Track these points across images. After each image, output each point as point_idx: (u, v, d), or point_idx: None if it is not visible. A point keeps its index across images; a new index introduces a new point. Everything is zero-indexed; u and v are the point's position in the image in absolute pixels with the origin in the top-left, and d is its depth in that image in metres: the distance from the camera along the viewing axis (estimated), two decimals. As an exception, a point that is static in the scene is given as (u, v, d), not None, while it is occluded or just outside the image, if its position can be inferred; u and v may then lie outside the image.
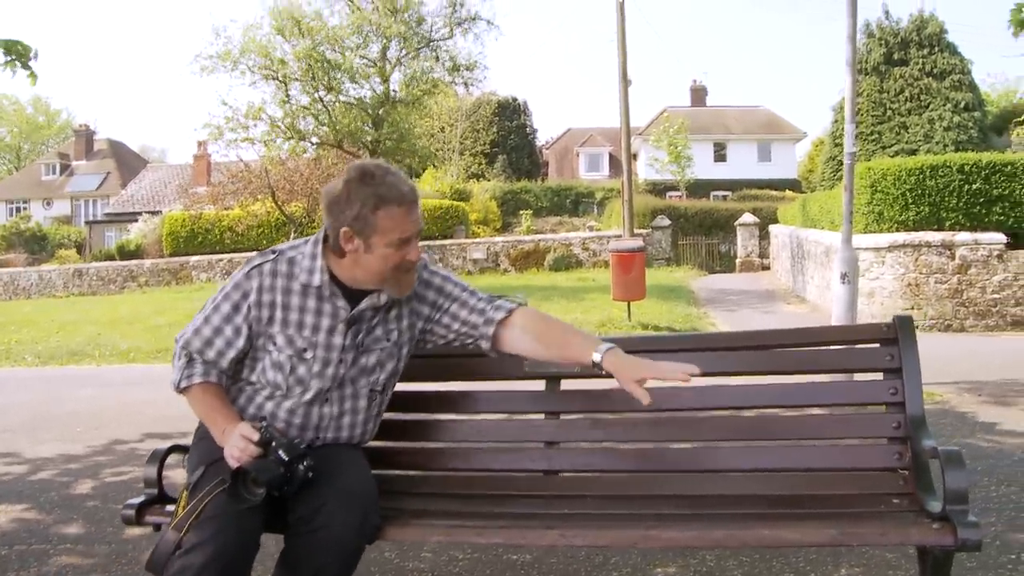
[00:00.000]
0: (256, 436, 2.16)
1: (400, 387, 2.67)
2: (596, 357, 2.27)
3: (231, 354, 2.37)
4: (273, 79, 18.38)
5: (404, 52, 19.29)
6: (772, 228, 23.38)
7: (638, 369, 2.21)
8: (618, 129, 23.38)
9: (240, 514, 2.09)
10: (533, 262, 25.61)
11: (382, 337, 2.42)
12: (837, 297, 7.59)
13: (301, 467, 2.15)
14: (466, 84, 20.87)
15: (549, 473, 2.60)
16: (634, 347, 2.40)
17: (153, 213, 37.69)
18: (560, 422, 2.66)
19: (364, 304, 2.36)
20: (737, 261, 26.07)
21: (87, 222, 48.11)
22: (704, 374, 2.22)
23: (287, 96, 18.73)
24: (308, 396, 2.37)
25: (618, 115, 22.53)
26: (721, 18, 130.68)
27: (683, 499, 2.46)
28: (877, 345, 2.52)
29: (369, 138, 19.51)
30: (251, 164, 24.66)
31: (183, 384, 2.38)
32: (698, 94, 49.75)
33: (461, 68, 19.94)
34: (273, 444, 2.15)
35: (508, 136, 46.75)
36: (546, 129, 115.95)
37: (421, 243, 2.39)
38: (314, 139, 19.54)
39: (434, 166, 40.88)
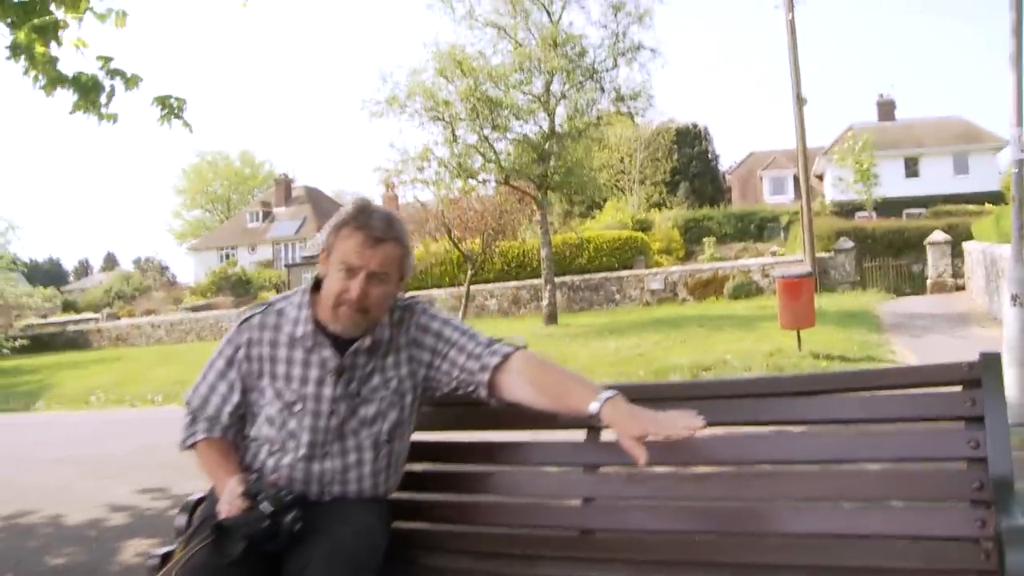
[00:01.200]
0: (241, 488, 2.14)
1: (434, 436, 2.63)
2: (593, 408, 2.15)
3: (228, 409, 2.39)
4: (439, 120, 18.86)
5: (567, 86, 19.34)
6: (966, 245, 21.86)
7: (637, 424, 2.06)
8: (801, 150, 22.64)
9: (221, 569, 2.05)
10: (712, 291, 24.97)
11: (380, 386, 2.36)
12: (1008, 322, 7.01)
13: (287, 520, 2.10)
14: (631, 114, 20.68)
15: (586, 532, 2.39)
16: (650, 395, 2.27)
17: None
18: (599, 476, 2.45)
19: (351, 351, 2.32)
20: (928, 282, 24.43)
21: (286, 265, 50.84)
22: (746, 423, 2.09)
23: (454, 136, 19.14)
24: (303, 451, 2.31)
25: (800, 136, 21.94)
26: (903, 30, 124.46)
27: (727, 567, 2.21)
28: (958, 389, 2.14)
29: (536, 173, 19.64)
30: (427, 204, 25.40)
31: (187, 442, 2.44)
32: (885, 108, 47.47)
33: (626, 98, 19.79)
34: (259, 496, 2.11)
35: (690, 163, 46.33)
36: (728, 154, 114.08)
37: (598, 274, 2.42)
38: (482, 176, 19.84)
39: (616, 197, 40.91)
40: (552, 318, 20.41)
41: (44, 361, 26.90)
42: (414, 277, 30.71)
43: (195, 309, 37.45)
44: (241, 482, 2.17)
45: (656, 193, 43.89)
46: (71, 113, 6.33)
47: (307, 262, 48.04)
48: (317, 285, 2.38)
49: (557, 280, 25.87)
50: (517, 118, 19.16)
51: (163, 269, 66.84)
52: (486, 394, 2.34)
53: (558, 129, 19.39)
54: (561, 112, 19.57)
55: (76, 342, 33.83)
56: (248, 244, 58.44)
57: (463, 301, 25.29)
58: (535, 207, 20.82)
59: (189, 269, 61.94)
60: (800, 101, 21.99)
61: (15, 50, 6.02)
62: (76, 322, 38.55)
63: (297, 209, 59.15)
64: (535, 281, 25.29)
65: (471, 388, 2.37)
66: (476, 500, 2.64)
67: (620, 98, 19.70)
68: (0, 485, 7.43)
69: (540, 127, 19.61)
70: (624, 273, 26.90)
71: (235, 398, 2.39)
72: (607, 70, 19.53)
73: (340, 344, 2.32)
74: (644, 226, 34.39)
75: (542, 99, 19.17)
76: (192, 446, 2.43)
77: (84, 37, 6.46)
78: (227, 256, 57.05)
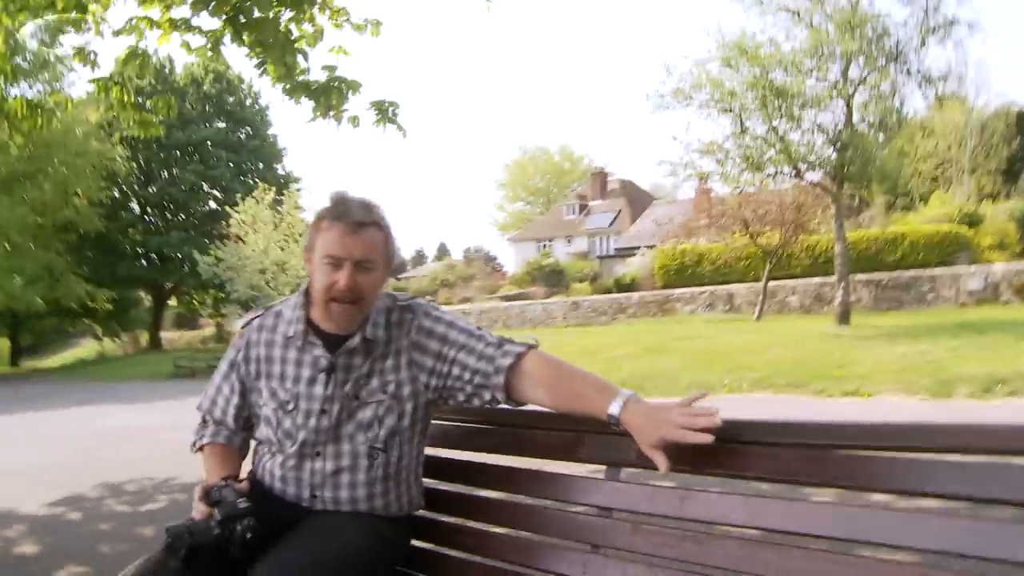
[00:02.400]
0: (200, 494, 2.19)
1: (444, 452, 2.60)
2: (613, 409, 2.01)
3: (231, 411, 2.47)
4: (727, 112, 18.33)
5: (867, 70, 18.05)
6: None
7: (655, 428, 1.93)
8: None
9: (172, 573, 2.05)
10: (1045, 292, 22.39)
11: (378, 390, 2.29)
12: None
13: (238, 528, 2.06)
14: (939, 99, 18.94)
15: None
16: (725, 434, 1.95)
17: (651, 248, 39.52)
18: (611, 522, 2.15)
19: (342, 350, 2.29)
20: None
21: (598, 257, 51.79)
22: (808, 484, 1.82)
23: (742, 127, 18.52)
24: (293, 449, 2.30)
25: None
26: None
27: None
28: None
29: (831, 165, 18.56)
30: (723, 198, 24.89)
31: (195, 445, 2.54)
32: None
33: (935, 80, 18.14)
34: (217, 504, 2.11)
35: (1032, 149, 41.50)
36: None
37: (909, 271, 2.32)
38: (772, 169, 19.03)
39: (942, 188, 37.76)
40: (844, 317, 19.15)
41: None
42: (714, 271, 30.29)
43: (508, 298, 39.11)
44: (204, 489, 2.22)
45: (990, 183, 39.83)
46: (311, 120, 6.92)
47: (619, 254, 48.72)
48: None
49: (863, 277, 24.39)
50: (809, 106, 18.16)
51: (489, 259, 70.29)
52: (504, 398, 2.24)
53: (855, 117, 18.19)
54: (860, 99, 18.33)
55: (397, 327, 36.38)
56: (565, 236, 60.00)
57: (761, 297, 24.52)
58: (834, 200, 19.65)
59: (510, 259, 64.71)
60: None
61: (260, 66, 6.70)
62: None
63: (612, 202, 59.92)
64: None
65: (487, 394, 2.26)
66: (479, 528, 2.48)
67: (928, 80, 18.09)
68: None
69: (835, 116, 18.48)
70: (937, 271, 24.75)
71: (236, 400, 2.46)
72: (914, 50, 17.99)
73: (332, 343, 2.30)
74: (973, 220, 31.34)
75: (838, 86, 18.08)
76: (201, 449, 2.53)
77: (321, 46, 6.95)
78: (545, 247, 58.99)
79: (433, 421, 2.63)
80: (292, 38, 6.70)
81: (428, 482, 2.57)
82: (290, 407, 2.31)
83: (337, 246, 2.22)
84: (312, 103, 6.82)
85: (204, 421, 2.56)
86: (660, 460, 1.91)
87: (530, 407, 2.29)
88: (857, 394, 10.68)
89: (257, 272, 33.28)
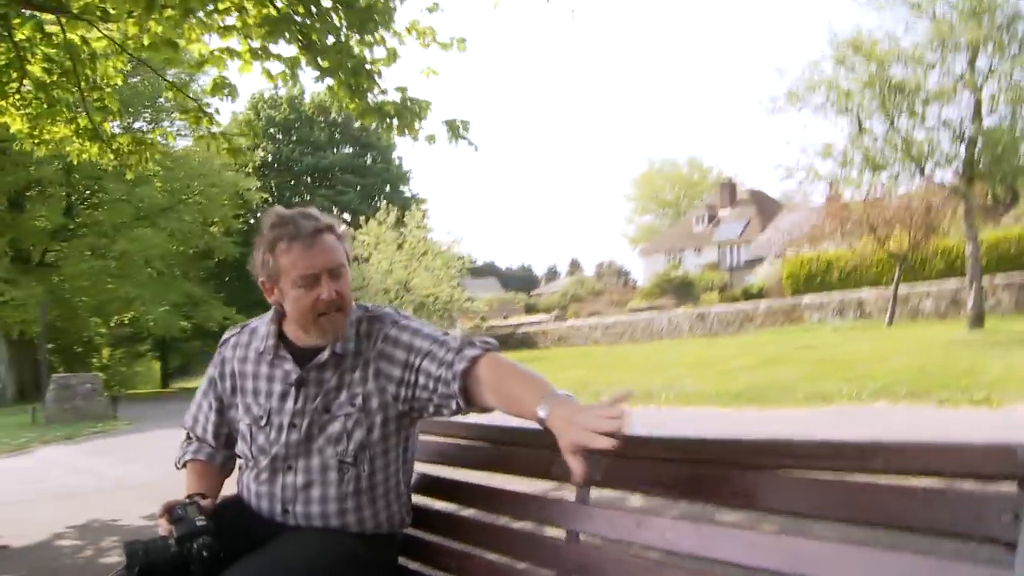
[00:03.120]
0: (163, 511, 2.18)
1: (436, 470, 2.53)
2: (541, 412, 1.85)
3: (211, 428, 2.47)
4: (845, 112, 17.62)
5: (996, 59, 17.06)
6: None
7: (572, 431, 1.74)
8: None
9: None
10: None
11: (346, 402, 2.23)
12: None
13: (194, 546, 2.05)
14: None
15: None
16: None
17: (780, 257, 38.53)
18: (577, 548, 2.02)
19: (312, 365, 2.24)
20: None
21: (728, 267, 50.84)
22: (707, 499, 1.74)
23: (861, 128, 17.77)
24: (265, 463, 2.27)
25: None
26: None
27: None
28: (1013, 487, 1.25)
29: (959, 162, 17.61)
30: (847, 203, 24.01)
31: (179, 462, 2.54)
32: None
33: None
34: (179, 522, 2.11)
35: None
36: None
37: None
38: (894, 168, 18.16)
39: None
40: (977, 322, 18.14)
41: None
42: (844, 277, 29.22)
43: (635, 311, 38.79)
44: (166, 506, 2.20)
45: None
46: (385, 140, 7.00)
47: (748, 264, 47.75)
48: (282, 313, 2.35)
49: (1003, 280, 23.06)
50: (934, 102, 17.28)
51: (621, 273, 69.93)
52: (464, 404, 2.10)
53: (984, 110, 17.20)
54: (989, 91, 17.32)
55: (525, 342, 36.70)
56: (694, 247, 59.17)
57: (891, 303, 23.50)
58: (964, 199, 18.62)
59: (640, 273, 64.19)
60: None
61: (331, 92, 6.84)
62: (528, 324, 41.88)
63: (741, 211, 58.78)
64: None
65: (453, 403, 2.12)
66: (470, 552, 2.37)
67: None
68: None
69: (962, 110, 17.51)
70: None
71: (214, 417, 2.46)
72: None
73: (302, 358, 2.27)
74: None
75: (964, 78, 17.13)
76: (184, 466, 2.53)
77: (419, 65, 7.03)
78: (674, 259, 58.30)
79: (424, 437, 2.58)
80: (364, 61, 6.79)
81: (420, 500, 2.50)
82: (263, 422, 2.29)
83: (306, 263, 2.17)
84: (389, 122, 6.91)
85: (188, 438, 2.56)
86: (574, 466, 1.73)
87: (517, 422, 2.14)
88: (986, 403, 10.03)
89: (381, 292, 33.96)
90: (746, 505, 1.68)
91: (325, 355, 2.23)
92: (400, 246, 34.72)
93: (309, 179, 48.53)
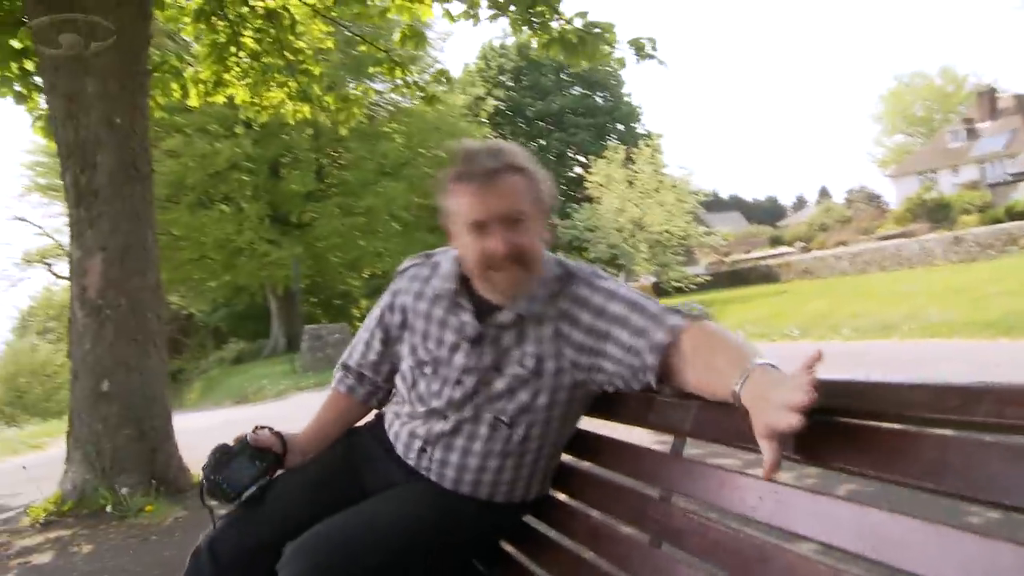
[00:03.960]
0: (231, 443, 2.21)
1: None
2: (735, 386, 1.52)
3: (368, 361, 2.32)
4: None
5: None
6: None
7: (762, 410, 1.41)
8: None
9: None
10: None
11: (515, 361, 2.02)
12: None
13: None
14: None
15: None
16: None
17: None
18: (673, 509, 1.77)
19: (491, 322, 2.03)
20: None
21: (989, 185, 46.77)
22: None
23: None
24: (421, 409, 2.14)
25: None
26: None
27: None
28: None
29: None
30: None
31: (331, 389, 2.46)
32: None
33: None
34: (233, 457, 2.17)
35: None
36: None
37: None
38: None
39: None
40: None
41: (722, 296, 28.77)
42: None
43: (885, 238, 36.54)
44: (237, 440, 2.23)
45: None
46: (568, 69, 6.87)
47: (1016, 179, 43.70)
48: None
49: None
50: None
51: (872, 198, 66.20)
52: (654, 380, 1.83)
53: None
54: None
55: (767, 276, 35.46)
56: (950, 165, 54.84)
57: None
58: None
59: (892, 197, 60.38)
60: None
61: (514, 24, 6.73)
62: (771, 257, 40.49)
63: (1004, 122, 53.73)
64: None
65: (643, 377, 1.85)
66: (572, 505, 2.22)
67: None
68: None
69: None
70: None
71: (377, 346, 2.29)
72: None
73: (483, 310, 2.05)
74: None
75: None
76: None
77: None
78: (928, 180, 54.35)
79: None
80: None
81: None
82: (427, 370, 2.13)
83: (474, 208, 1.92)
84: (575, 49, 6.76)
85: (342, 365, 2.44)
86: (765, 452, 1.39)
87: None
88: None
89: (614, 231, 33.79)
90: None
91: (509, 316, 2.02)
92: (631, 183, 34.34)
93: (541, 124, 48.94)
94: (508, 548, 2.31)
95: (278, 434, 2.30)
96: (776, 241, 52.16)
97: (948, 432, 1.17)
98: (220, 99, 9.46)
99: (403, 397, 2.23)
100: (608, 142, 44.23)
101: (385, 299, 2.29)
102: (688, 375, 1.74)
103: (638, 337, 1.86)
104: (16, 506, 6.94)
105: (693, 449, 1.82)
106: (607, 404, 2.10)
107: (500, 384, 2.04)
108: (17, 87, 7.81)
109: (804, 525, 1.36)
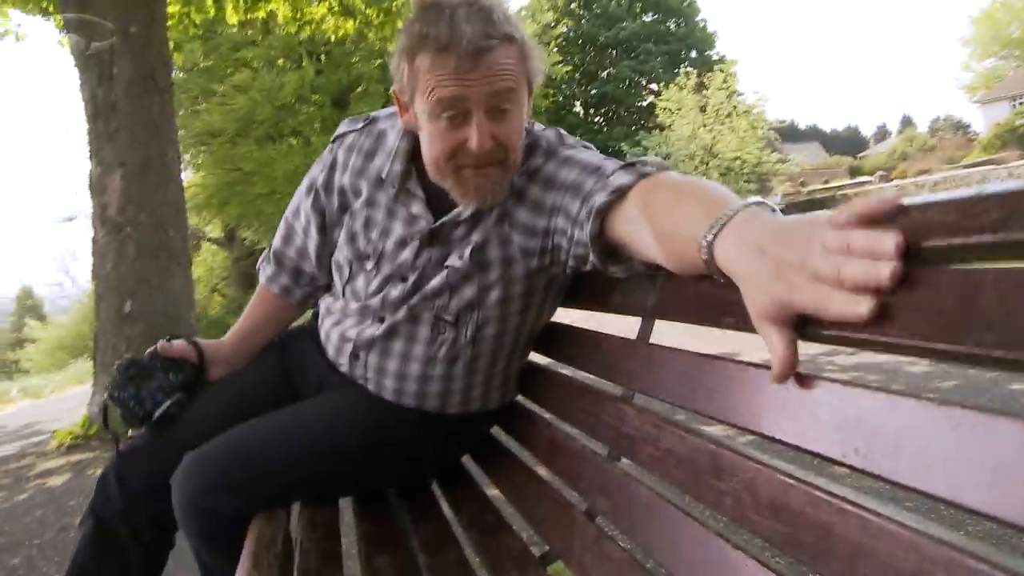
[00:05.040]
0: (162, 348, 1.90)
1: None
2: (703, 240, 1.00)
3: (307, 252, 1.88)
4: None
5: None
6: None
7: (778, 275, 0.85)
8: None
9: None
10: None
11: (458, 252, 1.63)
12: None
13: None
14: None
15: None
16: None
17: None
18: (627, 412, 1.36)
19: (449, 218, 1.62)
20: None
21: (1088, 109, 44.29)
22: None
23: None
24: (354, 306, 1.76)
25: None
26: None
27: None
28: None
29: None
30: None
31: (260, 287, 2.04)
32: None
33: None
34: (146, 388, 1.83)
35: None
36: None
37: None
38: None
39: None
40: None
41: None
42: None
43: (971, 166, 34.93)
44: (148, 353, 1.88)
45: None
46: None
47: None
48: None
49: None
50: None
51: (959, 126, 63.65)
52: (597, 258, 1.39)
53: None
54: None
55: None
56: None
57: None
58: None
59: (980, 125, 57.73)
60: None
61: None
62: (849, 186, 39.08)
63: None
64: None
65: (584, 253, 1.44)
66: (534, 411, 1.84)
67: None
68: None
69: None
70: None
71: (315, 235, 1.83)
72: None
73: (437, 200, 1.63)
74: None
75: None
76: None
77: None
78: (1021, 104, 51.74)
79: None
80: None
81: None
82: (368, 264, 1.72)
83: (452, 88, 1.42)
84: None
85: (275, 260, 1.99)
86: (779, 349, 0.86)
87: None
88: None
89: (687, 158, 32.82)
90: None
91: (468, 210, 1.60)
92: (703, 110, 33.23)
93: (613, 51, 47.67)
94: (470, 466, 1.95)
95: (195, 343, 1.94)
96: (855, 171, 50.37)
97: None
98: (261, 14, 9.13)
99: (337, 291, 1.84)
100: (681, 70, 43.04)
101: (319, 175, 1.82)
102: (642, 244, 1.25)
103: (584, 205, 1.43)
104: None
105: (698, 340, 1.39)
106: (570, 286, 1.71)
107: (437, 280, 1.64)
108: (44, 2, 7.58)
109: (780, 427, 0.94)
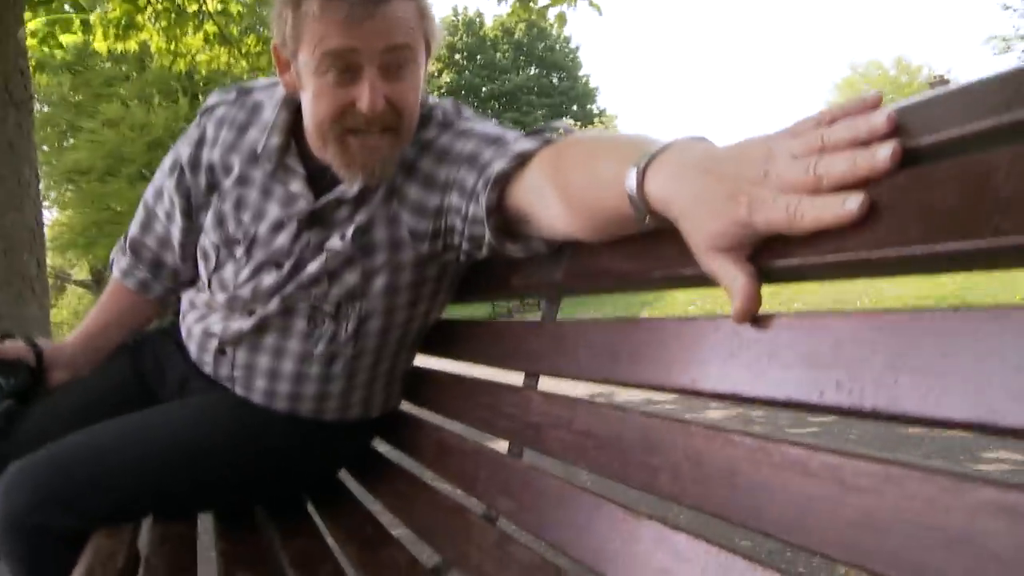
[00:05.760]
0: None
1: None
2: (630, 182, 0.82)
3: (170, 239, 1.65)
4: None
5: None
6: None
7: (729, 196, 0.69)
8: None
9: None
10: None
11: (338, 235, 1.43)
12: None
13: None
14: None
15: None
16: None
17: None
18: (533, 398, 1.20)
19: (333, 196, 1.42)
20: None
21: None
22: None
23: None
24: (221, 298, 1.53)
25: None
26: None
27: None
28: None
29: None
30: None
31: (112, 281, 1.79)
32: None
33: None
34: None
35: None
36: None
37: None
38: None
39: None
40: None
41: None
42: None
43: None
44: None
45: None
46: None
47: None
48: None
49: None
50: None
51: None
52: (492, 235, 1.23)
53: None
54: None
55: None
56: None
57: None
58: None
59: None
60: None
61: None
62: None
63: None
64: None
65: (481, 232, 1.26)
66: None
67: None
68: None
69: None
70: None
71: (179, 220, 1.61)
72: None
73: (319, 177, 1.44)
74: None
75: None
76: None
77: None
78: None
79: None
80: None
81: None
82: (238, 251, 1.50)
83: (345, 37, 1.22)
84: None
85: (131, 249, 1.75)
86: (735, 276, 0.70)
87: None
88: None
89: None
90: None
91: (354, 188, 1.40)
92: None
93: (495, 103, 48.19)
94: (346, 481, 1.74)
95: (34, 344, 1.67)
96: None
97: None
98: (132, 45, 8.73)
99: (202, 282, 1.60)
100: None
101: (184, 150, 1.58)
102: (546, 214, 1.09)
103: (481, 176, 1.25)
104: None
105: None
106: (464, 278, 1.54)
107: (315, 265, 1.43)
108: None
109: (729, 379, 0.79)
